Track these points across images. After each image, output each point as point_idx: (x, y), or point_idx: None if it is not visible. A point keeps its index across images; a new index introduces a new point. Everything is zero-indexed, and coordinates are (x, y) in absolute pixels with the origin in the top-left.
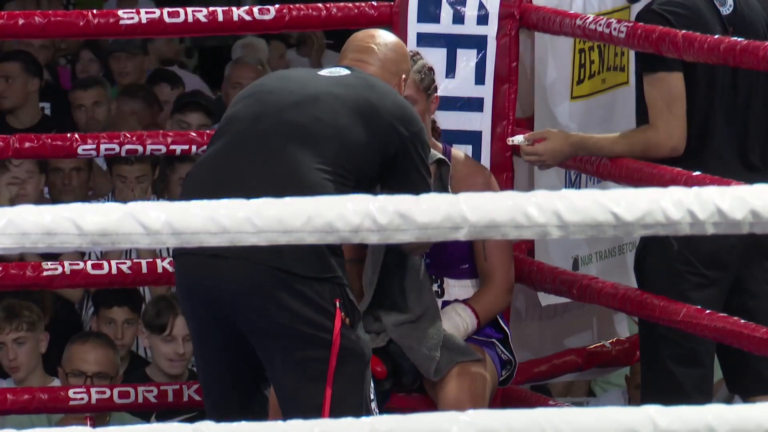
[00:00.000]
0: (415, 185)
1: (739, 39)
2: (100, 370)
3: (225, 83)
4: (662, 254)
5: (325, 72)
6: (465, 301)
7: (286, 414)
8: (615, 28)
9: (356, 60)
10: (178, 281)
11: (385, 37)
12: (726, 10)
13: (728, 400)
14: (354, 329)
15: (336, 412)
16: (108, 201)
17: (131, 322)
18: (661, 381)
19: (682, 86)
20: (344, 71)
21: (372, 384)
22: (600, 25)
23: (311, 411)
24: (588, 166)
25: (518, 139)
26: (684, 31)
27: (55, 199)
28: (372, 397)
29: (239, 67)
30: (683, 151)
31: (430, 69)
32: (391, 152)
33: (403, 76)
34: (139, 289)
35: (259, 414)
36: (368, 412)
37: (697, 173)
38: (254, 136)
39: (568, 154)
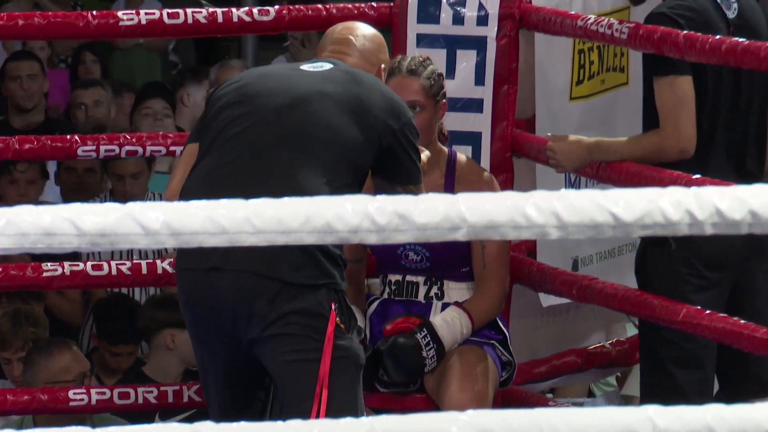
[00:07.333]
0: (408, 173)
1: (741, 39)
2: (81, 371)
3: (212, 87)
4: (662, 257)
5: (307, 66)
6: (461, 306)
7: (284, 417)
8: (617, 29)
9: (336, 52)
10: (180, 294)
11: (362, 28)
12: (732, 13)
13: None
14: (348, 333)
15: (329, 415)
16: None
17: (132, 353)
18: (661, 383)
19: (692, 90)
20: (327, 65)
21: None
22: (601, 26)
23: (304, 414)
24: (587, 169)
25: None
26: (685, 32)
27: (67, 199)
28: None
29: (225, 71)
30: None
31: (440, 75)
32: (383, 145)
33: (382, 66)
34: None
35: (257, 416)
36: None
37: (697, 176)
38: (247, 145)
39: (584, 157)
